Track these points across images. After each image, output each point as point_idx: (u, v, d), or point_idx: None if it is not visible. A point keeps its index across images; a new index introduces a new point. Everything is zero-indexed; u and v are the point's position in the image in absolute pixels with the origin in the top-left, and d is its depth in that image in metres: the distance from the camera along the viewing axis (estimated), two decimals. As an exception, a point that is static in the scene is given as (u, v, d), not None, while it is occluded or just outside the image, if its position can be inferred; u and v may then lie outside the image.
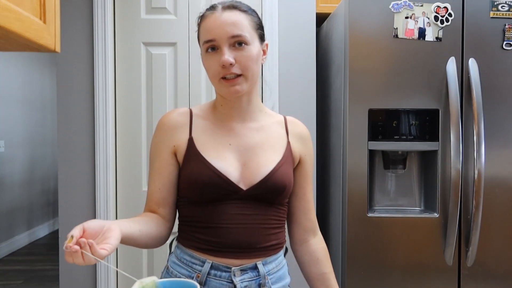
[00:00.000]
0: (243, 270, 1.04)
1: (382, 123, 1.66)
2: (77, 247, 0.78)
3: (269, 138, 1.11)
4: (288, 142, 1.12)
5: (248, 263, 1.05)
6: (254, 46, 1.03)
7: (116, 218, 2.09)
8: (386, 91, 1.65)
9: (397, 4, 1.63)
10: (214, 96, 1.16)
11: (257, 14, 1.09)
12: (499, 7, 1.63)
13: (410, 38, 1.64)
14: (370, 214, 1.67)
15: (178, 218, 1.13)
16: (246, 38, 1.01)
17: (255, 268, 1.05)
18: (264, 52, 1.09)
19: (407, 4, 1.62)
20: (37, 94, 5.19)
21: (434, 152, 1.66)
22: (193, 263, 1.05)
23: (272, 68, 2.06)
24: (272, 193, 1.05)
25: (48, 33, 0.93)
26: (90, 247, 0.79)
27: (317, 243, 1.19)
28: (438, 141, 1.65)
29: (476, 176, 1.58)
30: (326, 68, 2.04)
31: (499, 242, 1.65)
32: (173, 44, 2.08)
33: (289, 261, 1.18)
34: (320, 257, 1.17)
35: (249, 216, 1.04)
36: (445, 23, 1.63)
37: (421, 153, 1.75)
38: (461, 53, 1.64)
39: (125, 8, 2.07)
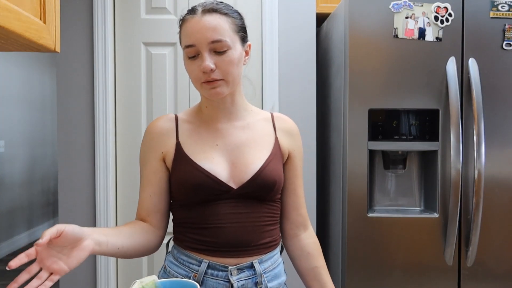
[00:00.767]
0: (240, 269, 1.05)
1: (382, 123, 1.66)
2: (26, 276, 0.81)
3: (255, 135, 1.11)
4: (276, 138, 1.13)
5: (244, 262, 1.05)
6: (235, 49, 1.03)
7: (116, 218, 2.09)
8: (386, 91, 1.65)
9: (397, 4, 1.63)
10: None
11: (239, 14, 1.08)
12: (499, 7, 1.63)
13: (410, 38, 1.64)
14: (370, 214, 1.67)
15: (173, 220, 1.13)
16: (227, 43, 1.00)
17: (252, 266, 1.06)
18: (247, 53, 1.09)
19: (407, 4, 1.62)
20: (37, 94, 5.19)
21: (434, 152, 1.66)
22: (190, 263, 1.06)
23: (272, 68, 2.06)
24: (263, 190, 1.06)
25: (48, 33, 0.93)
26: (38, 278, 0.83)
27: (308, 238, 1.19)
28: (438, 141, 1.65)
29: (476, 176, 1.58)
30: (326, 68, 2.04)
31: (499, 242, 1.65)
32: (173, 44, 2.08)
33: (285, 259, 1.19)
34: (311, 251, 1.18)
35: (242, 215, 1.05)
36: (445, 23, 1.63)
37: (421, 153, 1.75)
38: (461, 53, 1.64)
39: (125, 8, 2.07)
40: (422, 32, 1.63)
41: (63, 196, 2.07)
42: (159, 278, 0.91)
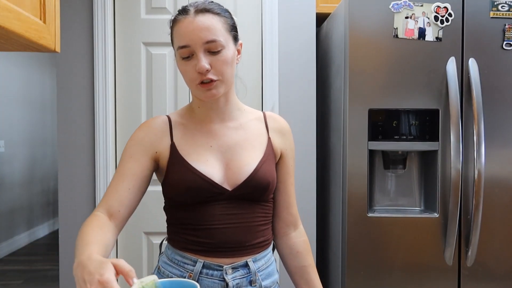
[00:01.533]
0: (235, 268, 1.06)
1: (382, 123, 1.66)
2: None
3: (249, 136, 1.11)
4: (269, 138, 1.13)
5: (239, 261, 1.06)
6: (229, 49, 1.03)
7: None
8: (386, 91, 1.65)
9: (397, 4, 1.63)
10: None
11: (230, 14, 1.08)
12: (499, 7, 1.63)
13: (410, 38, 1.64)
14: (370, 214, 1.67)
15: (167, 221, 1.13)
16: (221, 43, 1.00)
17: (246, 265, 1.07)
18: (239, 52, 1.09)
19: (407, 4, 1.62)
20: (37, 94, 5.19)
21: (434, 152, 1.66)
22: (185, 263, 1.06)
23: (272, 68, 2.06)
24: (257, 192, 1.06)
25: (48, 33, 0.93)
26: None
27: (297, 237, 1.20)
28: (438, 141, 1.65)
29: (476, 176, 1.58)
30: (326, 68, 2.04)
31: (499, 242, 1.65)
32: (173, 44, 2.08)
33: (277, 258, 1.20)
34: (300, 250, 1.19)
35: (236, 216, 1.05)
36: (445, 23, 1.63)
37: (421, 153, 1.75)
38: (461, 53, 1.64)
39: (125, 8, 2.07)
40: (422, 32, 1.63)
41: (63, 196, 2.07)
42: None
